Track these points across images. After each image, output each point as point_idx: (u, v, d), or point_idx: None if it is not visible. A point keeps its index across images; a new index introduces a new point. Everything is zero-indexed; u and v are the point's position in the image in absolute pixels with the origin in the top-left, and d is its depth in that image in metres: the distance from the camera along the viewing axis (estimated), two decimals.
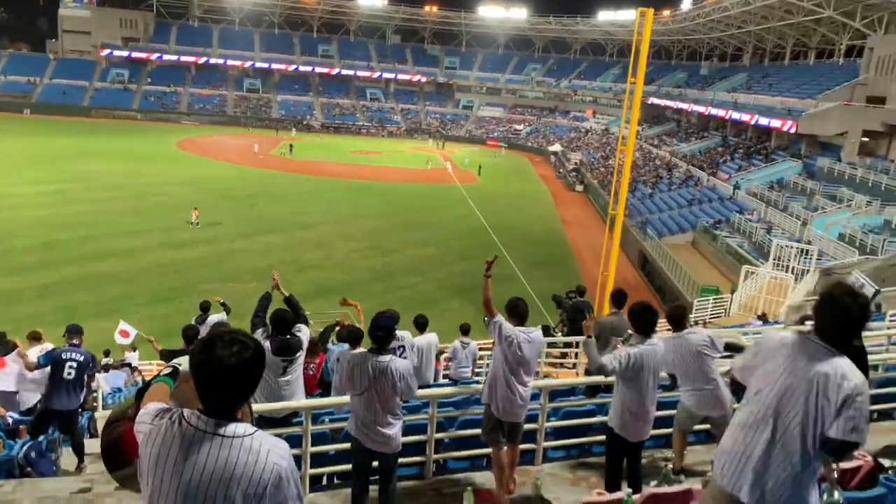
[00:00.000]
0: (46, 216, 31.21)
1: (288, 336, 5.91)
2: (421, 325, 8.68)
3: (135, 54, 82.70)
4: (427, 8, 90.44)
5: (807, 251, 25.73)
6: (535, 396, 5.98)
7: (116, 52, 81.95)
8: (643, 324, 5.16)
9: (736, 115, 47.51)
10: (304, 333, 6.08)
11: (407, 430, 5.30)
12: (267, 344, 5.70)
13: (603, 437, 6.23)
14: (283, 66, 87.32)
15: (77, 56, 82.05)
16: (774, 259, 25.79)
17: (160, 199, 36.85)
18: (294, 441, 4.87)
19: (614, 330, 6.49)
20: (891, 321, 16.89)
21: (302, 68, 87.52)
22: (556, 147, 69.43)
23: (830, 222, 28.77)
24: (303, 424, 5.11)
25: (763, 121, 42.34)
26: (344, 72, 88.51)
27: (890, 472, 4.70)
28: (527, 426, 5.61)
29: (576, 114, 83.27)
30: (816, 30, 48.80)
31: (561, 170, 61.22)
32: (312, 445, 5.11)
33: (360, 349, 4.89)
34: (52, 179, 39.39)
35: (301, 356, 5.99)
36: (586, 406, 6.38)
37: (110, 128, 65.05)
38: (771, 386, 2.99)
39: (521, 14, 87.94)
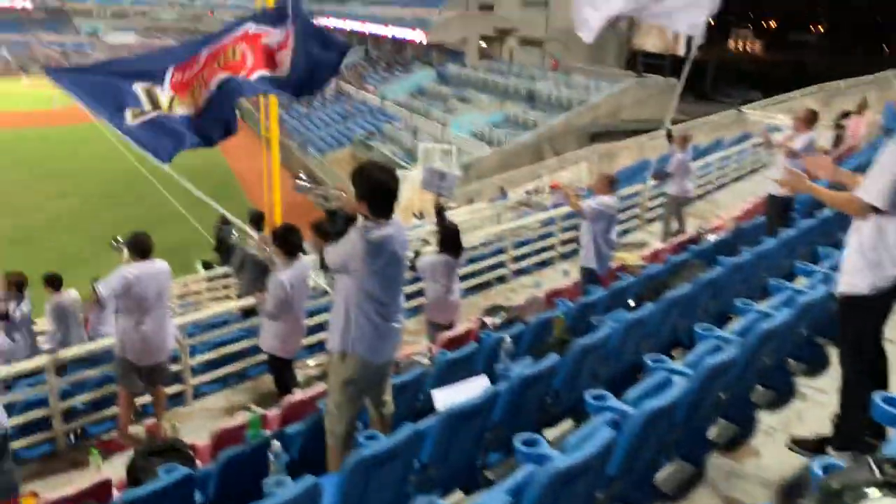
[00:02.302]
0: None
1: None
2: (55, 283, 7.71)
3: None
4: None
5: (448, 150, 28.66)
6: None
7: None
8: (292, 247, 5.33)
9: (374, 29, 49.46)
10: None
11: (25, 407, 4.82)
12: None
13: (258, 359, 6.41)
14: None
15: None
16: (423, 161, 28.25)
17: None
18: None
19: (253, 255, 6.58)
20: (513, 197, 19.94)
21: None
22: None
23: (464, 122, 32.23)
24: None
25: (398, 33, 44.81)
26: None
27: (490, 327, 5.63)
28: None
29: None
30: None
31: None
32: None
33: None
34: None
35: None
36: (233, 333, 6.44)
37: None
38: None
39: None
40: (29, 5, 76.69)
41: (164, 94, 5.27)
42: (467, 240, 7.90)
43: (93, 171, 33.11)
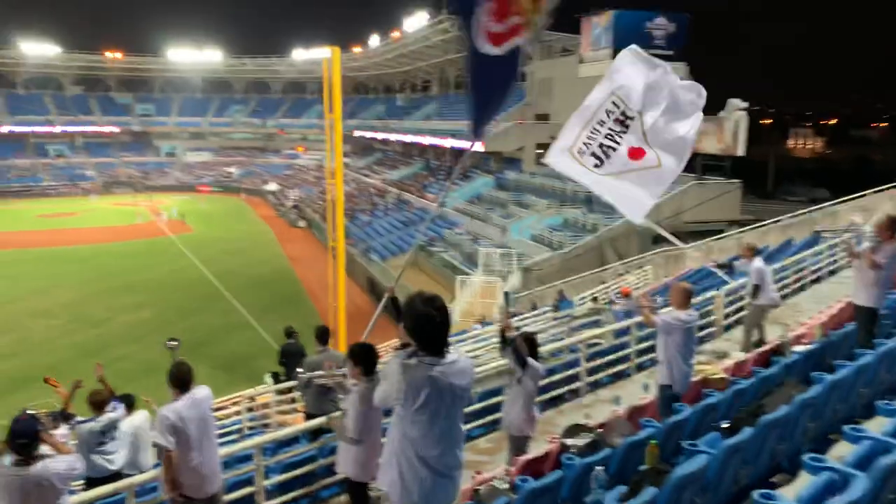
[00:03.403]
0: None
1: None
2: (128, 406, 7.81)
3: None
4: (109, 55, 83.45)
5: (508, 254, 28.85)
6: (248, 458, 5.79)
7: None
8: (371, 364, 5.25)
9: (434, 141, 51.56)
10: None
11: None
12: None
13: (331, 480, 6.26)
14: None
15: None
16: (483, 266, 28.48)
17: None
18: None
19: (319, 368, 6.55)
20: (578, 304, 19.65)
21: None
22: (272, 186, 68.63)
23: (523, 226, 32.56)
24: None
25: (457, 143, 46.49)
26: (16, 129, 77.50)
27: (572, 450, 5.36)
28: (243, 491, 5.38)
29: (288, 151, 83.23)
30: None
31: (281, 208, 60.61)
32: None
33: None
34: None
35: None
36: (309, 452, 6.33)
37: None
38: None
39: (216, 56, 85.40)
40: (116, 129, 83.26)
41: None
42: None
43: (167, 283, 34.53)
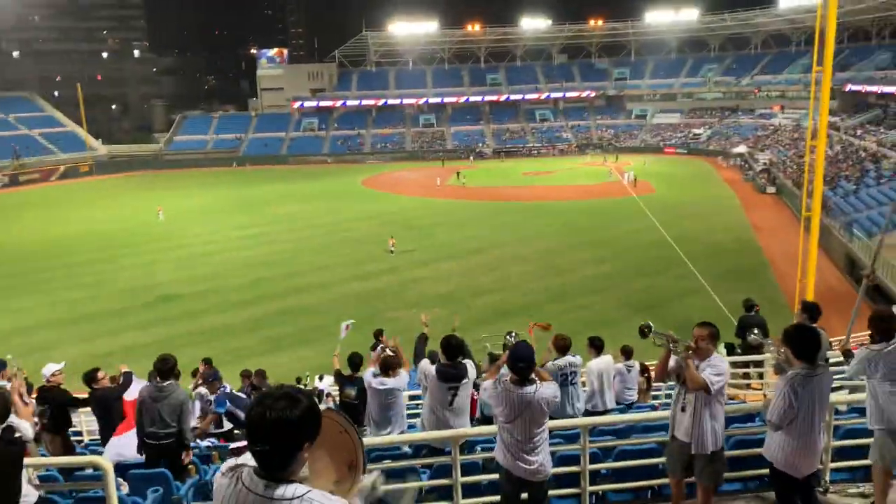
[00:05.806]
0: (253, 256, 34.83)
1: (455, 361, 6.09)
2: (597, 347, 8.43)
3: (322, 103, 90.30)
4: (592, 23, 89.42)
5: None
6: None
7: (306, 104, 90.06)
8: (806, 349, 4.64)
9: None
10: (470, 364, 6.24)
11: (563, 460, 5.21)
12: (433, 370, 6.01)
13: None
14: (454, 99, 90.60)
15: (274, 111, 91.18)
16: None
17: (349, 234, 39.60)
18: (446, 470, 4.98)
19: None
20: None
21: (472, 98, 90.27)
22: (741, 148, 64.79)
23: None
24: (452, 454, 5.20)
25: None
26: (512, 97, 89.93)
27: None
28: None
29: (762, 111, 77.20)
30: None
31: (749, 172, 56.99)
32: (464, 475, 5.18)
33: (501, 378, 4.91)
34: (257, 223, 43.89)
35: (468, 384, 6.14)
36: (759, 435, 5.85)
37: (305, 173, 70.97)
38: None
39: (691, 15, 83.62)
40: (592, 94, 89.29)
41: None
42: None
43: (627, 242, 35.92)
